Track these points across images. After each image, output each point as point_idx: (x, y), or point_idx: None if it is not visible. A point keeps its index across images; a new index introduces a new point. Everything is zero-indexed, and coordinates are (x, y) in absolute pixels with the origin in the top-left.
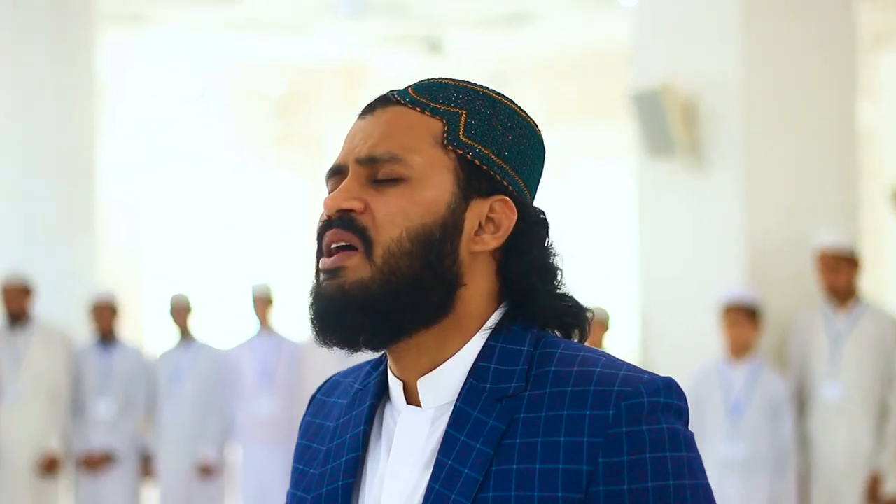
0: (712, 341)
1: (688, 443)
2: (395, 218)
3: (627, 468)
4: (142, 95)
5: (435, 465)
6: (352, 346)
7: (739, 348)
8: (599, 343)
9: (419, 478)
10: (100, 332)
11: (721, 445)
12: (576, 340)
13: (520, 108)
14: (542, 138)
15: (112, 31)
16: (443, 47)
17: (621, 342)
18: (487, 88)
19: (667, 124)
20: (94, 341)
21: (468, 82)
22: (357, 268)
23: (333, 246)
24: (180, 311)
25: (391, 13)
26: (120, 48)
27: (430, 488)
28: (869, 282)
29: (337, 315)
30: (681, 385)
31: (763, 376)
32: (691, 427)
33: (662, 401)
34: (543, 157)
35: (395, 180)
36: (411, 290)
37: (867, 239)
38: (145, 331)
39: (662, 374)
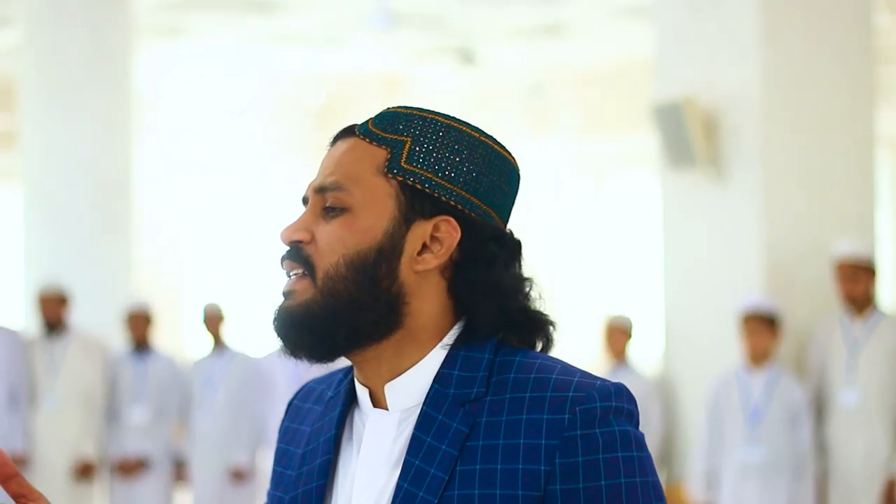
0: (732, 349)
1: (638, 443)
2: (334, 246)
3: (582, 468)
4: (179, 107)
5: (403, 465)
6: (297, 357)
7: (758, 356)
8: (623, 351)
9: (388, 477)
10: (134, 340)
11: (740, 451)
12: (539, 349)
13: (477, 130)
14: (504, 157)
15: (150, 44)
16: (476, 58)
17: (645, 350)
18: (441, 115)
19: (688, 136)
20: (128, 349)
21: (424, 110)
22: (304, 291)
23: (289, 273)
24: (213, 320)
25: (425, 25)
26: (158, 60)
27: (399, 487)
28: (888, 290)
29: (286, 331)
30: (630, 390)
31: (781, 383)
32: (710, 433)
33: (614, 405)
34: (508, 175)
35: (340, 210)
36: (348, 310)
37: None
38: (183, 339)
39: (685, 380)
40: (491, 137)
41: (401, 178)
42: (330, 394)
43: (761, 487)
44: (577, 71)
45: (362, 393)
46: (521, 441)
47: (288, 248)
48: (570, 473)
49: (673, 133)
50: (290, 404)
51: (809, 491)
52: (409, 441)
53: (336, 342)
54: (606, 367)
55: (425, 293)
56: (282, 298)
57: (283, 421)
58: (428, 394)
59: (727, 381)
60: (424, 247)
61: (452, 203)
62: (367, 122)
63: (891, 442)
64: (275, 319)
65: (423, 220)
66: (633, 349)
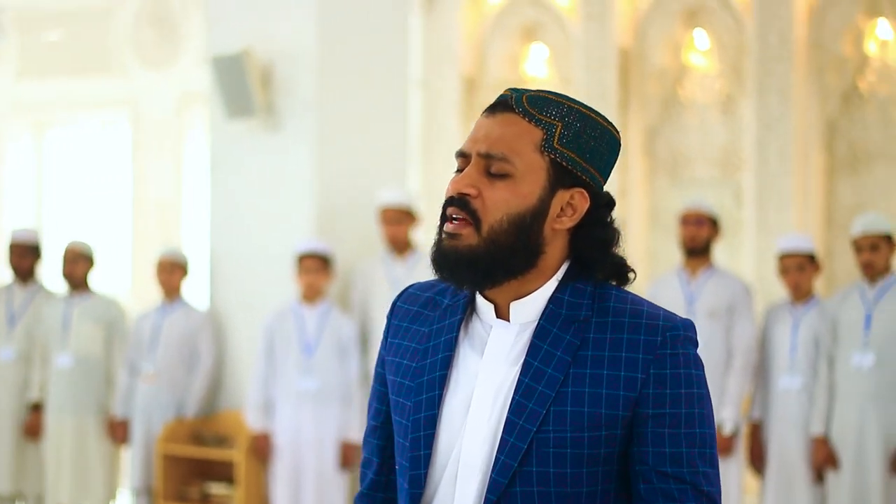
0: (285, 287)
1: (702, 364)
2: (499, 205)
3: (670, 378)
4: None
5: (523, 365)
6: (460, 286)
7: (312, 293)
8: (178, 286)
9: (506, 374)
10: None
11: (295, 381)
12: (615, 285)
13: (603, 118)
14: (618, 140)
15: None
16: None
17: (196, 286)
18: (580, 104)
19: (247, 87)
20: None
21: (567, 98)
22: (469, 236)
23: (453, 217)
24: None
25: None
26: None
27: (520, 381)
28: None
29: (451, 266)
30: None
31: (332, 318)
32: (266, 365)
33: (691, 335)
34: (617, 153)
35: (503, 175)
36: (505, 255)
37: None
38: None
39: (236, 316)
40: (606, 119)
41: (552, 156)
42: (447, 302)
43: (315, 414)
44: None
45: (487, 307)
46: (623, 354)
47: (455, 197)
48: (660, 381)
49: (231, 84)
50: (394, 305)
51: (357, 416)
52: (526, 347)
53: (494, 278)
54: (159, 301)
55: (555, 244)
56: (445, 237)
57: (391, 319)
58: (543, 312)
59: (282, 315)
60: (561, 210)
61: (585, 178)
62: (521, 100)
63: None
64: (440, 254)
65: (563, 190)
66: (188, 285)
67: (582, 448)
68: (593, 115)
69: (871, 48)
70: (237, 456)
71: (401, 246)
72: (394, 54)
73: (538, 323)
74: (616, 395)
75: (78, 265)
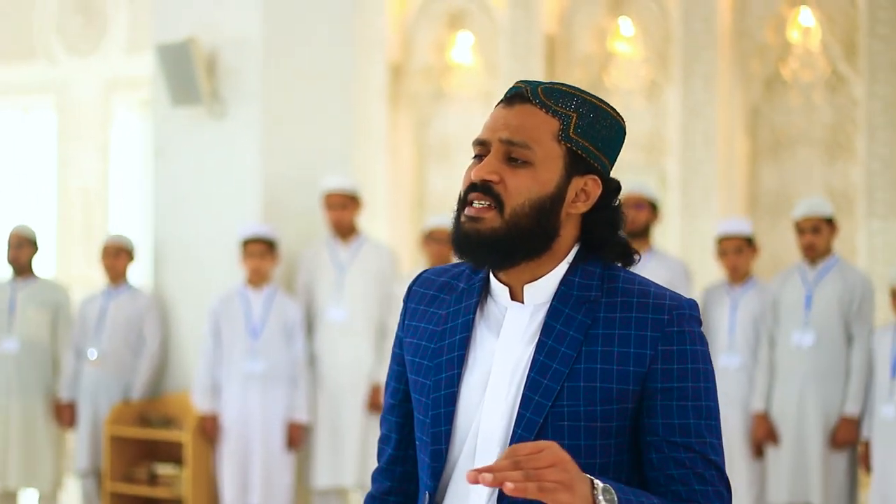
0: (231, 270)
1: (706, 342)
2: (522, 191)
3: (676, 354)
4: None
5: (538, 344)
6: (480, 267)
7: (258, 277)
8: (124, 270)
9: (522, 352)
10: None
11: (242, 363)
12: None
13: (611, 108)
14: (624, 128)
15: None
16: None
17: (139, 271)
18: (592, 96)
19: (193, 75)
20: None
21: (579, 90)
22: (491, 220)
23: (475, 203)
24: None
25: None
26: None
27: (535, 359)
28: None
29: (473, 247)
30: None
31: (278, 301)
32: (213, 347)
33: (695, 313)
34: (623, 141)
35: (524, 162)
36: (525, 238)
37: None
38: None
39: (181, 299)
40: (614, 109)
41: (568, 145)
42: (462, 285)
43: (262, 395)
44: None
45: (502, 289)
46: (633, 332)
47: (478, 183)
48: (667, 357)
49: (177, 71)
50: (410, 289)
51: (303, 396)
52: (540, 327)
53: (513, 259)
54: (107, 285)
55: (568, 227)
56: (466, 219)
57: (409, 303)
58: (556, 293)
59: (229, 299)
60: (576, 196)
61: (597, 166)
62: (537, 92)
63: (373, 353)
64: (462, 236)
65: (577, 177)
66: (133, 270)
67: (595, 421)
68: (604, 105)
69: (793, 35)
70: (185, 437)
71: (345, 231)
72: (338, 42)
73: (551, 304)
74: (626, 370)
75: (22, 250)
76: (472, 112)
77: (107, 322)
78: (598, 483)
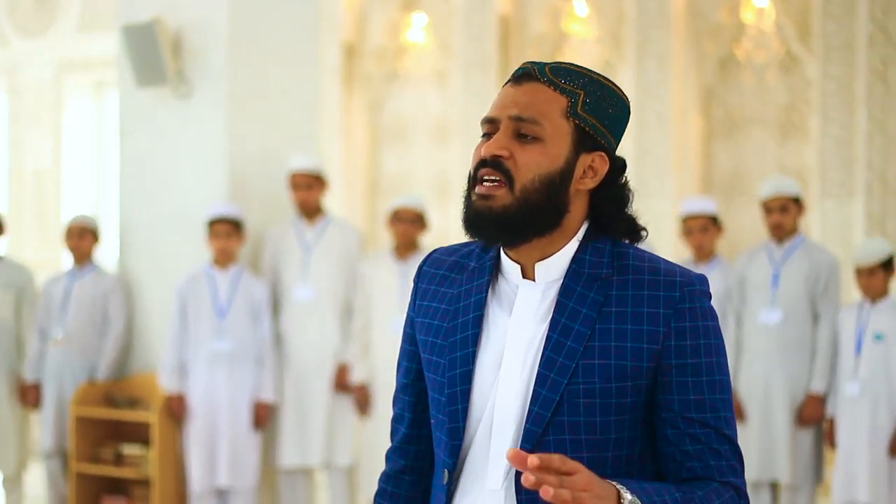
0: (197, 250)
1: (716, 316)
2: (531, 166)
3: (689, 330)
4: None
5: (551, 322)
6: (491, 244)
7: (224, 257)
8: (90, 251)
9: (535, 330)
10: None
11: (209, 342)
12: (629, 242)
13: (617, 87)
14: (629, 107)
15: None
16: None
17: (106, 251)
18: (599, 75)
19: (159, 55)
20: None
21: (585, 69)
22: (502, 197)
23: (485, 179)
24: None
25: None
26: None
27: (549, 337)
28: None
29: (485, 225)
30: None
31: (244, 281)
32: (180, 327)
33: (705, 288)
34: (628, 119)
35: (533, 138)
36: (535, 214)
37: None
38: None
39: (146, 279)
40: (619, 87)
41: (577, 122)
42: (473, 265)
43: (228, 375)
44: None
45: (513, 267)
46: (645, 309)
47: (488, 159)
48: (680, 333)
49: (143, 52)
50: (420, 269)
51: (270, 376)
52: (552, 305)
53: (524, 235)
54: (72, 266)
55: (578, 203)
56: (477, 198)
57: (419, 283)
58: (567, 272)
59: (195, 279)
60: (584, 172)
61: (603, 143)
62: (544, 70)
63: (339, 333)
64: (474, 214)
65: (585, 154)
66: (100, 250)
67: (610, 398)
68: (610, 84)
69: (747, 16)
70: (151, 417)
71: (311, 211)
72: (303, 21)
73: (563, 282)
74: (640, 347)
75: None
76: (426, 93)
77: (71, 303)
78: (626, 496)
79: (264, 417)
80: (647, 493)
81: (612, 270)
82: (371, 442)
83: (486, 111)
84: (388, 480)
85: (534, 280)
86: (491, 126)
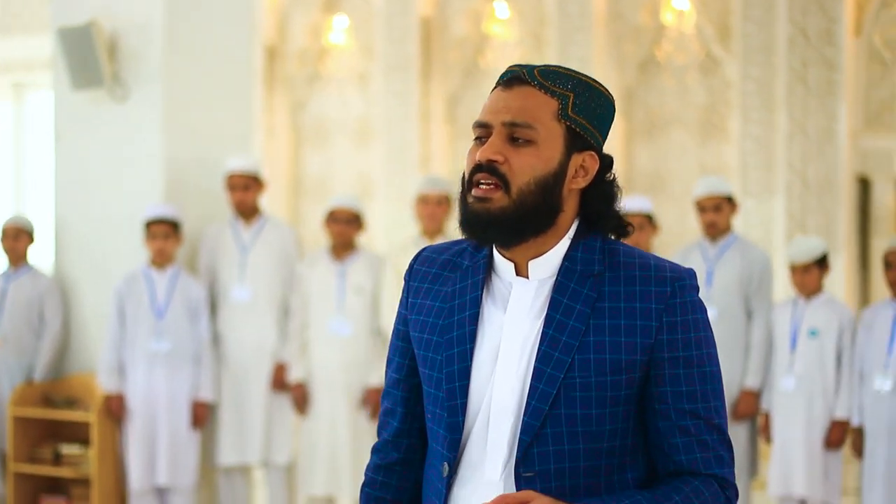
0: (134, 251)
1: (705, 309)
2: (526, 169)
3: (680, 324)
4: None
5: (546, 318)
6: (487, 244)
7: (162, 258)
8: (24, 251)
9: (531, 327)
10: None
11: (147, 343)
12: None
13: (603, 87)
14: (614, 105)
15: None
16: None
17: (40, 253)
18: (585, 76)
19: (96, 58)
20: None
21: (572, 70)
22: (499, 199)
23: (482, 183)
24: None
25: None
26: None
27: (544, 333)
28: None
29: (483, 227)
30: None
31: (182, 281)
32: (118, 328)
33: (695, 283)
34: (613, 117)
35: (527, 141)
36: (532, 215)
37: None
38: None
39: (82, 280)
40: (605, 87)
41: (568, 124)
42: (466, 263)
43: (167, 374)
44: None
45: (507, 265)
46: (637, 305)
47: (483, 164)
48: (672, 327)
49: (78, 55)
50: (411, 267)
51: (208, 375)
52: (546, 301)
53: (522, 236)
54: (6, 267)
55: (570, 203)
56: (475, 200)
57: (411, 281)
58: (560, 269)
59: (133, 280)
60: (576, 172)
61: (592, 142)
62: (534, 74)
63: (277, 332)
64: (471, 216)
65: (577, 154)
66: (33, 252)
67: (605, 391)
68: (596, 84)
69: (667, 18)
70: (91, 417)
71: (248, 211)
72: (238, 24)
73: (556, 279)
74: (634, 342)
75: None
76: (348, 94)
77: (7, 304)
78: None
79: (203, 416)
80: None
81: (603, 268)
82: (309, 440)
83: (407, 112)
84: (379, 471)
85: (527, 277)
86: (483, 130)
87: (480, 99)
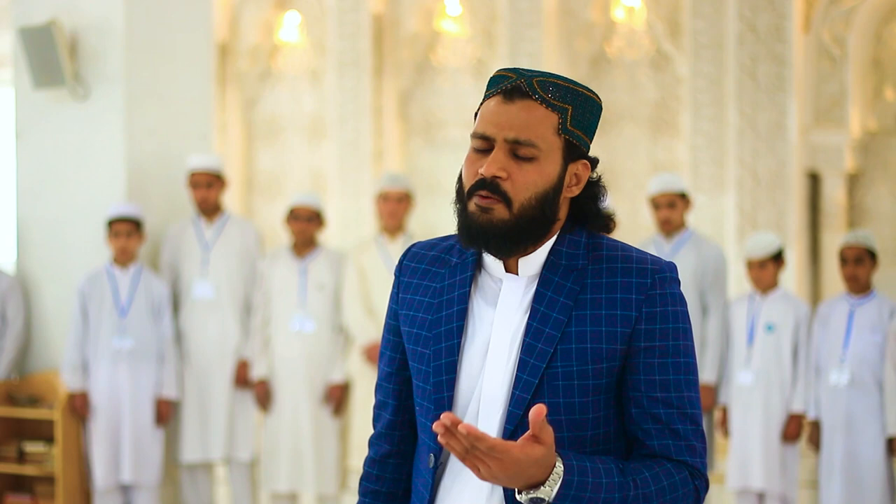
0: (98, 249)
1: (685, 302)
2: (528, 185)
3: (659, 315)
4: None
5: (531, 310)
6: (487, 251)
7: (125, 256)
8: None
9: (519, 320)
10: None
11: (111, 340)
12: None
13: (594, 93)
14: (600, 106)
15: None
16: None
17: (2, 251)
18: (577, 83)
19: (57, 57)
20: None
21: (567, 80)
22: (501, 212)
23: (483, 195)
24: None
25: None
26: None
27: (529, 325)
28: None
29: (486, 237)
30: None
31: (144, 279)
32: (82, 325)
33: (675, 275)
34: (600, 118)
35: (529, 158)
36: (532, 227)
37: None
38: None
39: (45, 278)
40: (594, 91)
41: (567, 137)
42: (455, 260)
43: (130, 372)
44: None
45: (496, 263)
46: (619, 295)
47: (487, 179)
48: (651, 318)
49: (40, 54)
50: (401, 263)
51: (171, 372)
52: (533, 295)
53: (521, 246)
54: None
55: (564, 207)
56: (477, 210)
57: (402, 276)
58: (545, 263)
59: (96, 278)
60: (570, 180)
61: (584, 150)
62: (533, 85)
63: (239, 329)
64: (474, 227)
65: (572, 163)
66: None
67: (587, 379)
68: (588, 92)
69: (618, 14)
70: (54, 415)
71: (210, 209)
72: (197, 23)
73: (541, 273)
74: (614, 331)
75: None
76: (300, 91)
77: None
78: (557, 467)
79: (166, 414)
80: (583, 471)
81: (587, 261)
82: (272, 436)
83: (360, 109)
84: (374, 465)
85: (517, 274)
86: (485, 143)
87: (432, 95)
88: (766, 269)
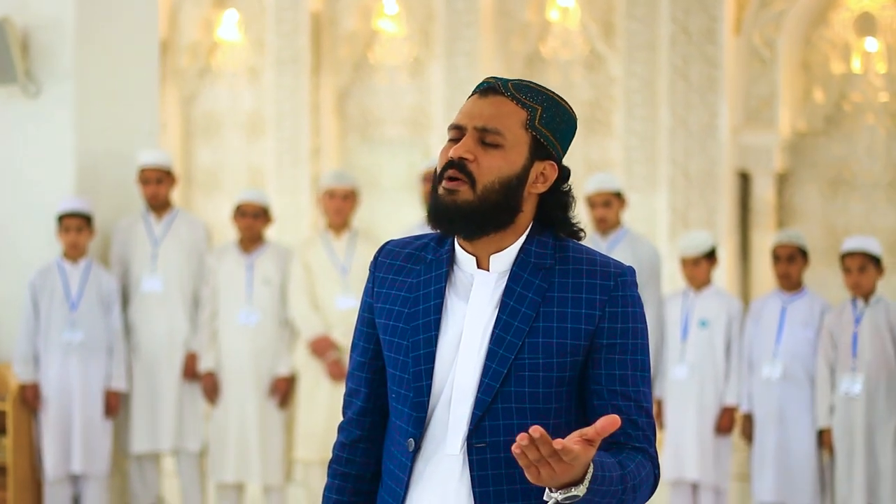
0: (48, 244)
1: (642, 303)
2: (493, 169)
3: (620, 314)
4: None
5: (500, 305)
6: (451, 235)
7: (75, 251)
8: None
9: (490, 314)
10: None
11: (62, 334)
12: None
13: (569, 105)
14: (576, 122)
15: None
16: None
17: None
18: (554, 93)
19: (9, 55)
20: None
21: (542, 87)
22: (465, 193)
23: (451, 176)
24: None
25: None
26: None
27: (499, 318)
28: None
29: (450, 218)
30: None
31: (94, 273)
32: (33, 319)
33: (634, 279)
34: (575, 127)
35: (495, 145)
36: (494, 211)
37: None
38: None
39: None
40: (569, 105)
41: (534, 134)
42: (430, 256)
43: (81, 364)
44: None
45: (469, 259)
46: (583, 295)
47: (455, 160)
48: (612, 317)
49: None
50: (376, 259)
51: (121, 365)
52: (503, 291)
53: (483, 229)
54: None
55: (528, 205)
56: (444, 192)
57: (377, 272)
58: (515, 261)
59: (46, 272)
60: (536, 178)
61: (554, 153)
62: (507, 86)
63: (188, 323)
64: (439, 207)
65: (539, 161)
66: None
67: (552, 372)
68: (562, 101)
69: (553, 15)
70: (6, 406)
71: (160, 205)
72: (145, 21)
73: (511, 270)
74: (578, 328)
75: None
76: (238, 88)
77: None
78: (589, 473)
79: (115, 405)
80: (602, 466)
81: (554, 261)
82: (219, 428)
83: (298, 106)
84: (344, 449)
85: (488, 270)
86: (457, 132)
87: (370, 93)
88: (700, 266)
